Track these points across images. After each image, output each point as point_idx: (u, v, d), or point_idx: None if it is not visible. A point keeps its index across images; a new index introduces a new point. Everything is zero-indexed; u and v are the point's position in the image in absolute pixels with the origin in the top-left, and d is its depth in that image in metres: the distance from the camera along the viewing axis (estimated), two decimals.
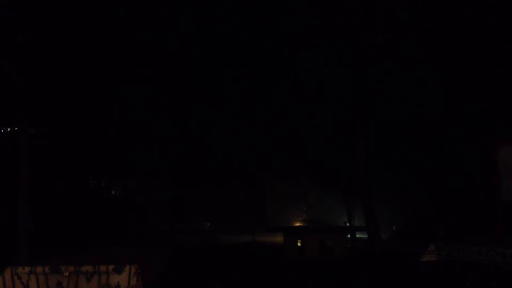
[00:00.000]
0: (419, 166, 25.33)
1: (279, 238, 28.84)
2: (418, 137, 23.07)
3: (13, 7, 14.96)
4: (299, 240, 21.11)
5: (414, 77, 17.15)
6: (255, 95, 25.65)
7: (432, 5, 15.48)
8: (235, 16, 21.76)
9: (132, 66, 18.75)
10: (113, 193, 35.99)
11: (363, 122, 20.77)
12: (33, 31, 15.60)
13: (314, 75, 18.74)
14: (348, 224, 35.89)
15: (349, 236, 30.47)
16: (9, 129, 25.83)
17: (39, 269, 6.53)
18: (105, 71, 18.33)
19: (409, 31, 15.91)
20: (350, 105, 20.65)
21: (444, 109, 18.93)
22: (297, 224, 35.89)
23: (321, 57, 18.04)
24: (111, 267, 6.43)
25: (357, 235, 34.06)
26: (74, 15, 15.55)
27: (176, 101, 24.48)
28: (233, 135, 31.60)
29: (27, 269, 6.53)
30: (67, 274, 6.42)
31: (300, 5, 17.30)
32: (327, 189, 39.00)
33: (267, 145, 32.60)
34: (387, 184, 29.61)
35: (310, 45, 17.90)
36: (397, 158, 25.46)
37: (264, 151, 34.15)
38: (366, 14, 16.30)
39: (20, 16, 15.23)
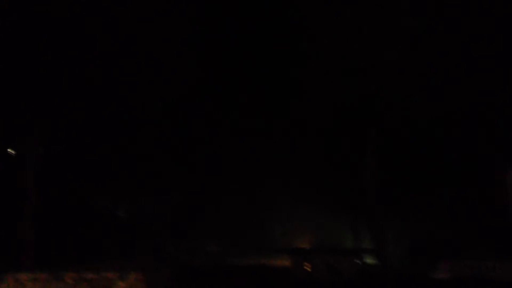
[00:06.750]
0: (429, 185, 24.95)
1: (286, 260, 28.35)
2: (429, 156, 22.76)
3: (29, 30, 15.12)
4: (306, 262, 20.75)
5: (425, 93, 17.05)
6: (263, 114, 25.56)
7: (444, 20, 15.46)
8: (247, 39, 21.89)
9: (142, 86, 18.78)
10: (119, 214, 35.73)
11: (372, 141, 20.59)
12: (45, 52, 15.71)
13: (323, 94, 18.70)
14: (357, 246, 35.28)
15: (358, 258, 29.88)
16: (14, 150, 25.90)
17: (42, 276, 6.35)
18: (115, 92, 18.37)
19: (420, 48, 15.89)
20: (359, 124, 20.52)
21: (457, 125, 18.72)
22: (305, 246, 35.26)
23: (331, 77, 18.01)
24: (115, 274, 6.24)
25: (367, 259, 33.43)
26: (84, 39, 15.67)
27: (183, 119, 24.52)
28: (239, 153, 31.44)
29: (30, 275, 6.36)
30: (71, 281, 6.24)
31: (312, 28, 17.37)
32: (336, 210, 38.48)
33: (274, 165, 32.33)
34: (396, 204, 29.19)
35: (321, 65, 17.90)
36: (406, 178, 25.11)
37: (271, 171, 33.86)
38: (377, 32, 16.33)
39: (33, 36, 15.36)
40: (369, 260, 33.08)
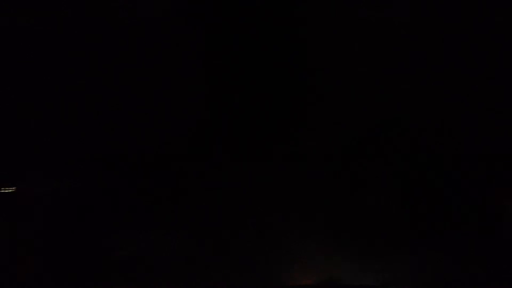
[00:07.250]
0: (449, 221, 23.97)
1: None
2: (446, 192, 21.96)
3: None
4: None
5: (437, 124, 16.59)
6: (268, 154, 24.94)
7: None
8: (247, 67, 21.64)
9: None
10: (125, 251, 35.50)
11: (383, 176, 20.08)
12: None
13: (331, 130, 18.37)
14: (368, 282, 34.45)
15: None
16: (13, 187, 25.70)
17: None
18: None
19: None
20: (369, 159, 20.04)
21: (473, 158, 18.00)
22: (311, 282, 34.62)
23: (339, 111, 17.74)
24: None
25: None
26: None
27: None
28: (243, 184, 30.86)
29: None
30: None
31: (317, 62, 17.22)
32: (346, 244, 37.83)
33: (280, 196, 31.79)
34: (415, 241, 28.33)
35: (326, 100, 17.65)
36: (423, 212, 24.31)
37: (276, 203, 33.35)
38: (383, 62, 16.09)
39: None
40: None
